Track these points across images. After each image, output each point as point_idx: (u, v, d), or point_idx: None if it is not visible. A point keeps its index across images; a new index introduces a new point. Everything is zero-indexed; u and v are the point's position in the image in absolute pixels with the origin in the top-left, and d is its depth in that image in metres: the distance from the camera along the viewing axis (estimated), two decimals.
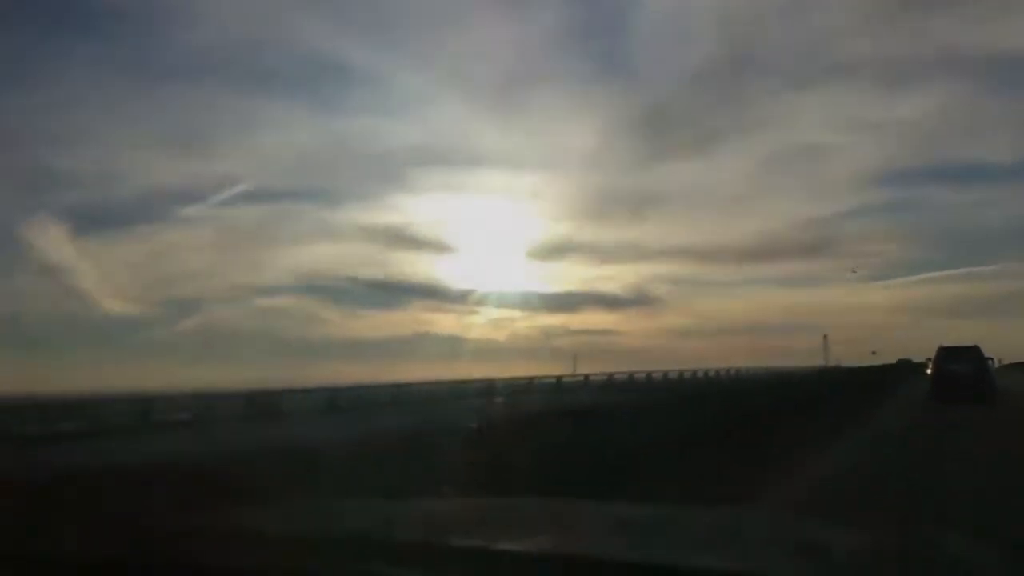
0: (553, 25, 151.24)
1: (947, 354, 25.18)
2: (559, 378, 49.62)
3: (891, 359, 73.65)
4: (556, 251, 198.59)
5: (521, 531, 1.87)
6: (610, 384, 49.77)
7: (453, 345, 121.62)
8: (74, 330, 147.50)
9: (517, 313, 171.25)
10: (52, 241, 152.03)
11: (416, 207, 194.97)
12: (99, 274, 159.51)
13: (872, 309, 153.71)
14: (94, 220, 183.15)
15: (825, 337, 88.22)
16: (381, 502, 2.82)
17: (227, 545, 1.79)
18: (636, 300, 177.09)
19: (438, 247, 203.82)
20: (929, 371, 26.46)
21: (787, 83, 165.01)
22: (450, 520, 2.13)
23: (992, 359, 27.42)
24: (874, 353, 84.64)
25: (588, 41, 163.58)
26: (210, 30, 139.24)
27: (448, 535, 1.86)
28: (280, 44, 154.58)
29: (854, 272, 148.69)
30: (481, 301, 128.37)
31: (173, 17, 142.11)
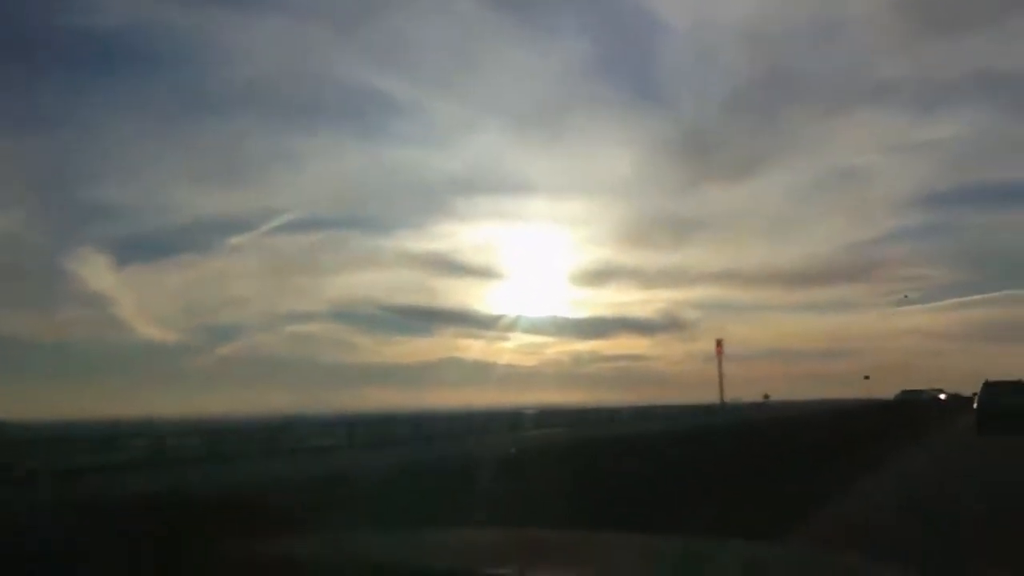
0: (590, 53, 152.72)
1: (993, 388, 25.35)
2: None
3: (888, 389, 61.65)
4: (595, 277, 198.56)
5: (553, 562, 1.91)
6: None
7: (483, 371, 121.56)
8: (114, 357, 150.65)
9: (549, 339, 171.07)
10: (97, 271, 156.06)
11: (458, 234, 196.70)
12: (141, 303, 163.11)
13: (911, 334, 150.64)
14: (140, 250, 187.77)
15: (867, 378, 72.74)
16: (415, 532, 2.86)
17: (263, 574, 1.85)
18: (668, 325, 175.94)
19: (478, 273, 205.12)
20: (975, 405, 26.43)
21: (824, 106, 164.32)
22: (483, 550, 2.17)
23: None
24: (867, 378, 71.86)
25: (625, 68, 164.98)
26: (257, 65, 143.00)
27: (480, 565, 1.90)
28: (325, 78, 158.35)
29: (906, 297, 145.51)
30: (513, 327, 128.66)
31: (220, 54, 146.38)
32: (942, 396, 55.82)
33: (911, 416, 29.48)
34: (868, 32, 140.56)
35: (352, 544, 2.26)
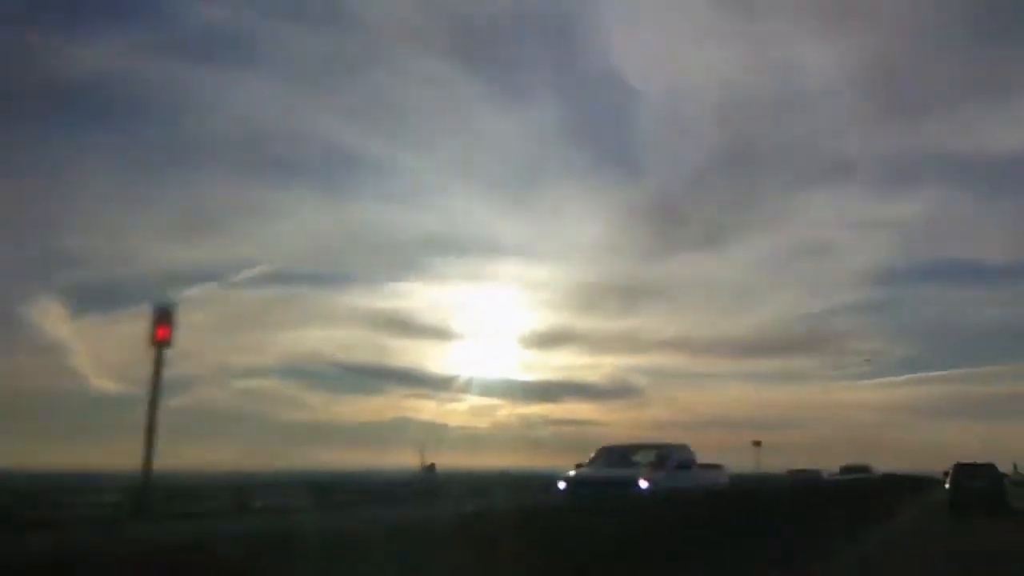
0: (563, 118, 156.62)
1: (964, 470, 26.86)
2: None
3: (834, 462, 50.70)
4: (550, 340, 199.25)
5: None
6: None
7: (434, 432, 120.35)
8: (64, 407, 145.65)
9: (500, 401, 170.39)
10: (52, 320, 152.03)
11: (420, 294, 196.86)
12: (94, 353, 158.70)
13: (862, 407, 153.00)
14: (96, 300, 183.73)
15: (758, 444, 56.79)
16: None
17: None
18: (617, 391, 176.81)
19: (435, 334, 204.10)
20: (947, 485, 27.87)
21: (790, 179, 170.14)
22: None
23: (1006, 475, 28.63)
24: (758, 444, 55.60)
25: (597, 133, 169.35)
26: (226, 119, 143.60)
27: None
28: (294, 134, 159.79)
29: (868, 360, 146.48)
30: (466, 388, 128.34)
31: (191, 106, 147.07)
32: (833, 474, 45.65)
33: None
34: (835, 108, 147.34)
35: None
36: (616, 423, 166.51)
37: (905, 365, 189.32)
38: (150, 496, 19.44)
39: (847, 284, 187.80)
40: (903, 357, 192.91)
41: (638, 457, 18.15)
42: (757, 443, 55.48)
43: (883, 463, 56.99)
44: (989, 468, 27.19)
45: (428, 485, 34.20)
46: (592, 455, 18.23)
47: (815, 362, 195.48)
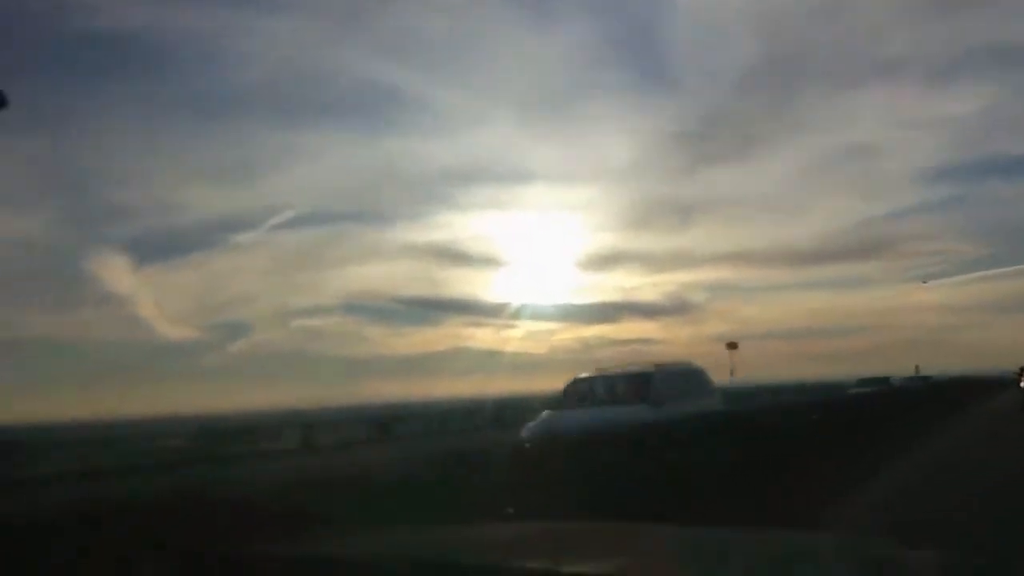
0: (592, 36, 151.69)
1: None
2: None
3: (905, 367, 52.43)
4: (602, 262, 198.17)
5: (589, 554, 1.90)
6: None
7: (491, 359, 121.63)
8: (133, 356, 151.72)
9: (556, 325, 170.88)
10: (113, 272, 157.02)
11: (463, 224, 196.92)
12: (156, 302, 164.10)
13: (930, 310, 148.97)
14: (152, 251, 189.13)
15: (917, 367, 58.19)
16: (446, 527, 2.86)
17: (295, 573, 1.86)
18: (676, 308, 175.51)
19: (484, 262, 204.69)
20: (1023, 384, 26.53)
21: (832, 84, 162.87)
22: (516, 543, 2.17)
23: None
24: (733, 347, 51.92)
25: (627, 52, 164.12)
26: (257, 64, 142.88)
27: (514, 558, 1.89)
28: (323, 73, 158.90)
29: (924, 282, 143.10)
30: (519, 315, 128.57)
31: (222, 54, 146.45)
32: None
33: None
34: (874, 6, 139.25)
35: (381, 541, 2.26)
36: (675, 340, 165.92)
37: (970, 264, 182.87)
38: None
39: (902, 186, 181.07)
40: (968, 257, 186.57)
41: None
42: (733, 345, 52.13)
43: (955, 365, 54.74)
44: None
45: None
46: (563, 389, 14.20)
47: (875, 266, 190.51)
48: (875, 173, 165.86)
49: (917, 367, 61.40)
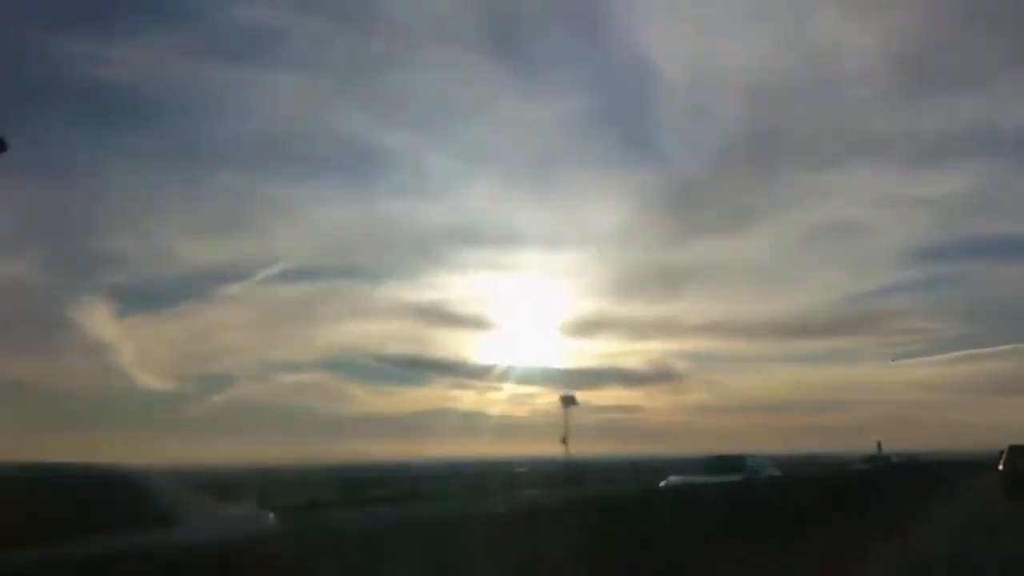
0: (584, 105, 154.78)
1: (1019, 452, 25.55)
2: None
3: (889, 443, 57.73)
4: (587, 327, 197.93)
5: None
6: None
7: (475, 421, 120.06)
8: (112, 405, 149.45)
9: (540, 389, 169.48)
10: (97, 320, 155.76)
11: (452, 285, 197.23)
12: (139, 351, 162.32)
13: (911, 387, 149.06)
14: (139, 300, 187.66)
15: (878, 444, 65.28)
16: None
17: None
18: (659, 376, 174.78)
19: (471, 324, 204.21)
20: (1000, 467, 26.28)
21: (817, 160, 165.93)
22: None
23: None
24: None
25: (617, 121, 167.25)
26: (254, 119, 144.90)
27: None
28: (321, 130, 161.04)
29: (893, 360, 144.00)
30: (505, 377, 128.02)
31: (219, 107, 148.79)
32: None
33: None
34: (861, 85, 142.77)
35: None
36: (658, 409, 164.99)
37: (952, 343, 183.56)
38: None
39: (886, 263, 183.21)
40: (950, 336, 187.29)
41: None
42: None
43: (935, 444, 55.83)
44: None
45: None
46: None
47: (858, 342, 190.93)
48: (859, 250, 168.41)
49: (879, 443, 62.40)
